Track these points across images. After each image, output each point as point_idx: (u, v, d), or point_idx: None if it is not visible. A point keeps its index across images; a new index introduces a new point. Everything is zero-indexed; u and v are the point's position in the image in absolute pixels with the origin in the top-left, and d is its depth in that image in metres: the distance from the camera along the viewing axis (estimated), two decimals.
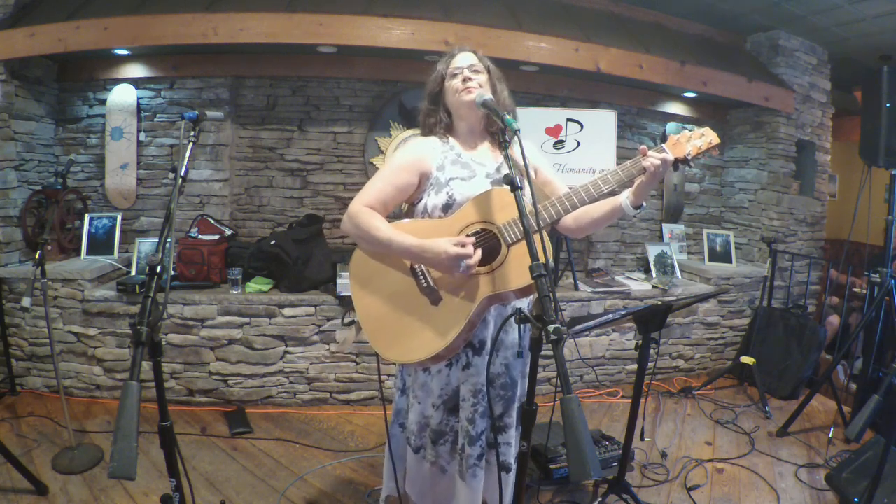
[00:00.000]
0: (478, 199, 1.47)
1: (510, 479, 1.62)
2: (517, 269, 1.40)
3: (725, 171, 4.42)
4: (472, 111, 1.55)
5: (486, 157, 1.61)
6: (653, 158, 1.41)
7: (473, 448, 1.55)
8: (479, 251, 1.41)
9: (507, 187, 1.47)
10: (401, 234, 1.47)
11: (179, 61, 3.30)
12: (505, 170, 1.57)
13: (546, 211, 1.43)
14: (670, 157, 1.42)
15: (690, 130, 1.47)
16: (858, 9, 3.42)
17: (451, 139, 1.63)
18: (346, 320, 2.96)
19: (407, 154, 1.60)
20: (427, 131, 1.66)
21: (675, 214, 4.29)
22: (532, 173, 1.62)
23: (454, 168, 1.56)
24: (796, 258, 4.00)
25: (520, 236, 1.41)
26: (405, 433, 1.69)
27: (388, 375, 3.06)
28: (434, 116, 1.64)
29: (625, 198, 1.49)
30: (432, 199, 1.54)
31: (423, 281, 1.49)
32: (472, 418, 1.54)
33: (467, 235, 1.46)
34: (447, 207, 1.52)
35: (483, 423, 1.56)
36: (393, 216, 1.61)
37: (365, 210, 1.52)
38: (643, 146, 1.44)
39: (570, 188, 1.48)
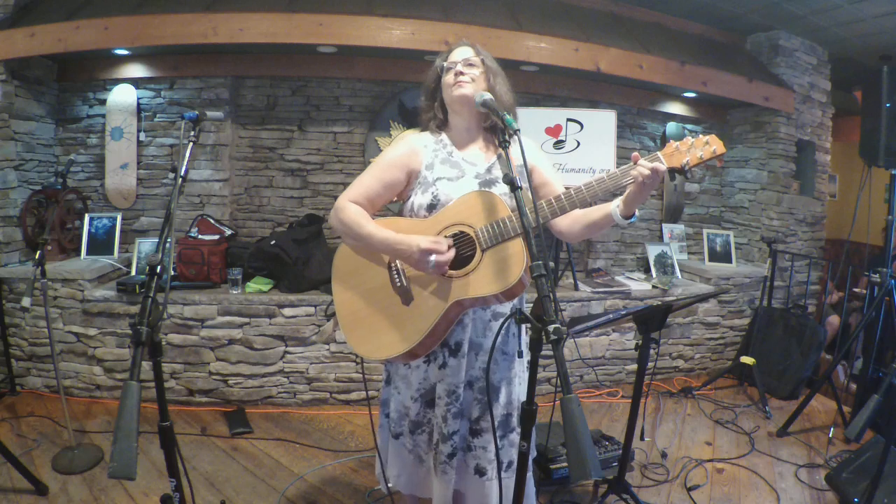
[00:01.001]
0: (459, 202, 1.45)
1: (510, 482, 1.61)
2: (489, 274, 1.38)
3: (725, 171, 4.42)
4: (465, 106, 1.51)
5: (478, 157, 1.57)
6: (641, 168, 1.30)
7: (444, 446, 1.55)
8: (452, 251, 1.40)
9: (491, 190, 1.46)
10: (381, 228, 1.47)
11: (179, 61, 3.30)
12: (496, 170, 1.54)
13: (527, 216, 1.37)
14: (663, 167, 1.31)
15: (694, 137, 1.35)
16: (858, 9, 3.42)
17: (444, 136, 1.59)
18: (329, 311, 2.97)
19: (397, 150, 1.57)
20: (423, 127, 1.64)
21: (675, 214, 4.29)
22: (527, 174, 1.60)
23: (443, 167, 1.53)
24: (796, 258, 4.00)
25: (494, 241, 1.39)
26: (389, 422, 1.70)
27: (380, 376, 3.06)
28: (430, 112, 1.61)
29: (614, 206, 1.41)
30: (418, 199, 1.52)
31: (398, 279, 1.49)
32: (444, 417, 1.54)
33: (445, 237, 1.44)
34: (431, 207, 1.49)
35: (456, 423, 1.55)
36: (387, 213, 1.60)
37: (350, 205, 1.51)
38: (635, 153, 1.34)
39: (563, 191, 1.45)
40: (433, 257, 1.37)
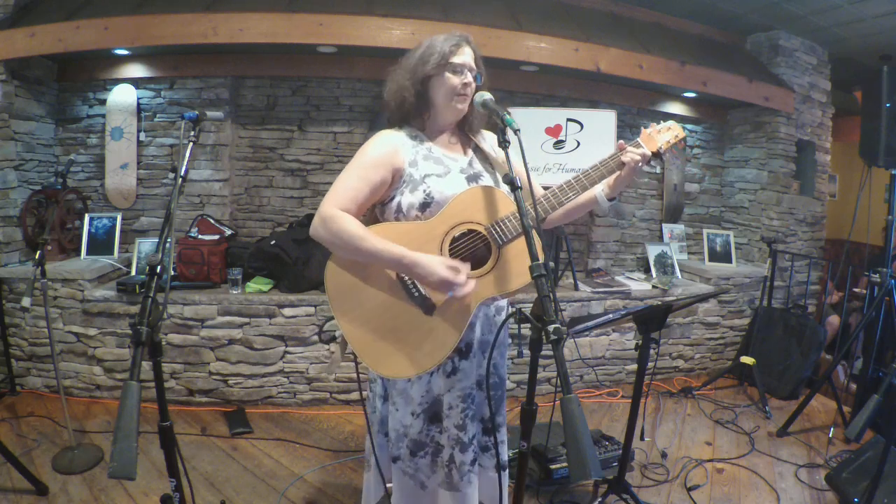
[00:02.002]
0: (460, 199, 1.41)
1: (506, 478, 1.62)
2: (514, 269, 1.39)
3: (725, 171, 4.42)
4: (455, 115, 1.51)
5: (457, 152, 1.55)
6: (632, 154, 1.46)
7: (466, 454, 1.51)
8: (470, 281, 1.36)
9: (480, 185, 1.46)
10: (388, 243, 1.36)
11: (179, 61, 3.30)
12: (476, 164, 1.54)
13: (527, 215, 1.40)
14: (648, 152, 1.48)
15: (658, 124, 1.55)
16: (858, 9, 3.42)
17: (418, 132, 1.53)
18: (325, 336, 2.90)
19: (379, 148, 1.46)
20: (398, 118, 1.54)
21: (675, 214, 4.29)
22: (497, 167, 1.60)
23: (427, 164, 1.46)
24: (796, 258, 4.00)
25: (510, 237, 1.39)
26: (388, 442, 1.62)
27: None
28: (413, 101, 1.49)
29: (600, 190, 1.52)
30: (407, 198, 1.43)
31: (415, 290, 1.41)
32: (461, 424, 1.50)
33: (454, 238, 1.41)
34: (425, 206, 1.42)
35: (474, 426, 1.53)
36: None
37: (341, 214, 1.38)
38: (620, 141, 1.51)
39: (551, 186, 1.47)
40: (453, 291, 1.35)
